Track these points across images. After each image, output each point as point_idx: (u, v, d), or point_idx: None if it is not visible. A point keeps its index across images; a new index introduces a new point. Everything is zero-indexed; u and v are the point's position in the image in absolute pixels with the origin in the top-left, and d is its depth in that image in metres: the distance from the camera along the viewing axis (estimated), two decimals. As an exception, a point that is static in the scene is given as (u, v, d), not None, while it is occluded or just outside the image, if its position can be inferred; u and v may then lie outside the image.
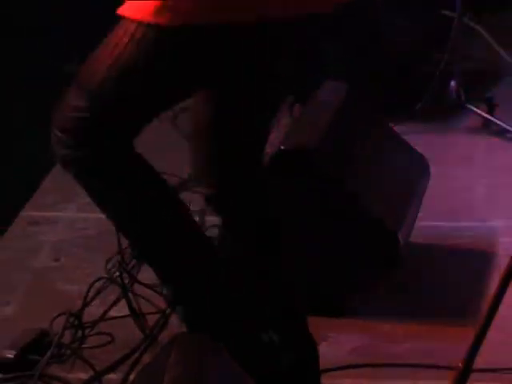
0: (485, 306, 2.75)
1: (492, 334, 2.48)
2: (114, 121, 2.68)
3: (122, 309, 3.39)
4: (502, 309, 2.51)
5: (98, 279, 3.50)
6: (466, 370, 2.56)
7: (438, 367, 2.97)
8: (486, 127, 4.64)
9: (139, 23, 2.58)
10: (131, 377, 3.01)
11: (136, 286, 3.47)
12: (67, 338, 3.24)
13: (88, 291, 3.43)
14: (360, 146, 3.61)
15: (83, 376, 3.10)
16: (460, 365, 2.51)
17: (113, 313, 3.40)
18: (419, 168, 3.88)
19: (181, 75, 2.71)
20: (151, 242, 2.86)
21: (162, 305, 3.34)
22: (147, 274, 3.35)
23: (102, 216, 3.13)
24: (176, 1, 2.53)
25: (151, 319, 3.37)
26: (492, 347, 2.71)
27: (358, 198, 3.37)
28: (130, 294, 3.41)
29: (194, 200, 3.45)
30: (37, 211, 4.30)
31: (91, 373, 3.07)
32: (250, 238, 2.93)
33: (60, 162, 2.66)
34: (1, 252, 3.94)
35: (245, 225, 2.95)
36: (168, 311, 3.34)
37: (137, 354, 3.18)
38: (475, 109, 4.65)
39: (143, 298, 3.42)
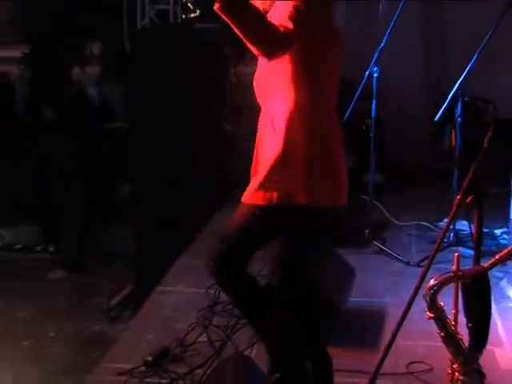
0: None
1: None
2: (240, 255, 4.09)
3: (203, 338, 5.41)
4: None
5: (192, 323, 5.59)
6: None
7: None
8: (386, 254, 7.15)
9: (253, 205, 3.99)
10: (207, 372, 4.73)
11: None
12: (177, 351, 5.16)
13: (188, 330, 5.51)
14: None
15: (183, 370, 4.92)
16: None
17: (199, 339, 5.39)
18: (350, 271, 5.90)
19: (277, 232, 4.11)
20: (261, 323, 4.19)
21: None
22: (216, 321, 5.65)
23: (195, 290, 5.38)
24: (276, 193, 3.91)
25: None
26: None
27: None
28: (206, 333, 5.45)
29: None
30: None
31: (186, 370, 4.91)
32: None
33: (209, 273, 4.07)
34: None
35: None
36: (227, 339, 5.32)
37: (209, 362, 4.98)
38: (377, 243, 7.20)
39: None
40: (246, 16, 3.70)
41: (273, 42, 3.82)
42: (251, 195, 4.02)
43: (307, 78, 4.04)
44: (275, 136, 4.01)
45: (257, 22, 3.77)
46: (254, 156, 4.24)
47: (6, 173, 12.68)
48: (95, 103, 13.54)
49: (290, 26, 3.84)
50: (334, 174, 4.08)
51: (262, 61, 4.10)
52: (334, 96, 4.26)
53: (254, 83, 4.28)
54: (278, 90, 4.06)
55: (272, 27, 3.79)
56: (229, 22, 3.68)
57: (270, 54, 3.85)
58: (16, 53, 23.58)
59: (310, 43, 4.02)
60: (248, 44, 3.76)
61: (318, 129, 4.05)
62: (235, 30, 3.71)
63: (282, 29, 3.82)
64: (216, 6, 3.62)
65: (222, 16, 3.66)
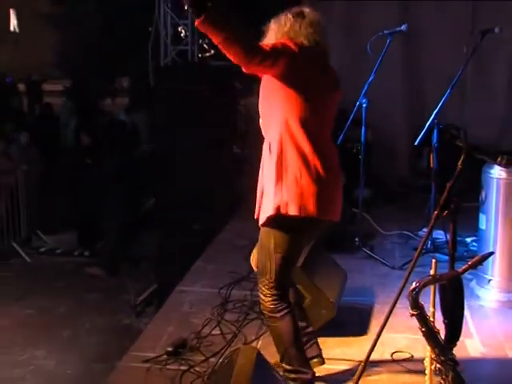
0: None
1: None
2: (283, 279, 4.23)
3: (216, 331, 5.41)
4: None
5: (207, 318, 5.61)
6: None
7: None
8: (373, 259, 7.08)
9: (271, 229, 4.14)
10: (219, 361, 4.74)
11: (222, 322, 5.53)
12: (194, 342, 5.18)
13: (203, 324, 5.51)
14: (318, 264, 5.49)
15: (199, 358, 4.94)
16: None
17: (213, 332, 5.40)
18: (342, 273, 5.82)
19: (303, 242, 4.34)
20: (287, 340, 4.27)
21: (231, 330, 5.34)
22: (227, 316, 5.63)
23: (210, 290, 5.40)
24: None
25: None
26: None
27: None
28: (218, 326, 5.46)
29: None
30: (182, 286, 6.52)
31: (202, 358, 4.93)
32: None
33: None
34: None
35: None
36: (237, 332, 5.32)
37: (221, 352, 4.99)
38: (365, 249, 7.18)
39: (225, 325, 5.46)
40: (227, 27, 3.68)
41: (250, 50, 3.81)
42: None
43: (296, 112, 4.06)
44: (271, 158, 4.08)
45: (237, 32, 3.75)
46: (259, 177, 4.28)
47: (49, 188, 12.76)
48: (126, 129, 13.60)
49: (268, 47, 3.91)
50: (319, 191, 4.08)
51: (262, 97, 4.18)
52: (327, 126, 4.29)
53: (260, 118, 4.31)
54: (275, 122, 4.09)
55: (251, 38, 3.85)
56: (210, 34, 3.69)
57: (248, 62, 3.85)
58: (60, 87, 23.81)
59: (297, 83, 4.05)
60: (228, 52, 3.75)
61: (306, 153, 4.07)
62: (216, 40, 3.71)
63: (260, 44, 3.90)
64: (197, 22, 3.61)
65: (204, 29, 3.66)
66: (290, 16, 4.18)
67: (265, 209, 4.12)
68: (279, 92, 4.05)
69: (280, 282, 4.20)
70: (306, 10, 4.22)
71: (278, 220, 4.08)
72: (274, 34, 4.20)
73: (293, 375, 4.30)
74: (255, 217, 4.25)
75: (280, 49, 3.98)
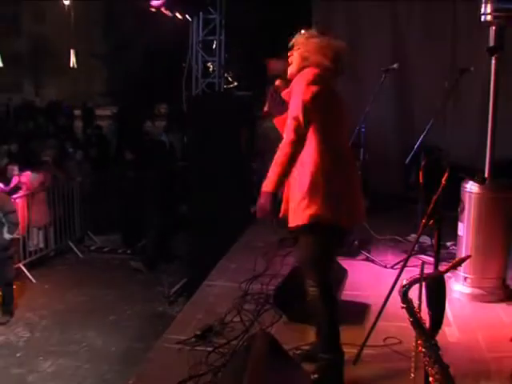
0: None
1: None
2: (324, 270, 4.16)
3: (237, 319, 5.28)
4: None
5: (229, 308, 5.49)
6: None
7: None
8: (369, 260, 7.02)
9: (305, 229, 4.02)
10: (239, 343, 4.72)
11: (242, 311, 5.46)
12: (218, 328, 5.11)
13: (226, 312, 5.40)
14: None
15: (223, 341, 4.86)
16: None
17: (234, 319, 5.30)
18: (343, 271, 5.81)
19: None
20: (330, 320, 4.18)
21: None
22: (246, 306, 5.51)
23: (232, 284, 5.39)
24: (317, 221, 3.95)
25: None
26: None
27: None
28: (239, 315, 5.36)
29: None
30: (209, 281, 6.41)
31: (225, 341, 4.87)
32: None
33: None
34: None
35: None
36: (255, 320, 5.24)
37: (241, 336, 4.91)
38: (364, 252, 7.10)
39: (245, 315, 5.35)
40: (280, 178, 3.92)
41: (296, 149, 3.85)
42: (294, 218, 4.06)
43: (323, 136, 4.00)
44: (304, 172, 3.98)
45: (285, 165, 3.88)
46: (286, 187, 4.21)
47: (99, 196, 12.84)
48: (164, 147, 13.70)
49: (301, 119, 3.84)
50: (350, 200, 4.08)
51: None
52: (346, 144, 4.28)
53: None
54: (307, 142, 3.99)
55: (287, 146, 3.86)
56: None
57: (300, 142, 3.89)
58: (108, 112, 23.93)
59: (321, 118, 3.98)
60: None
61: (332, 169, 4.01)
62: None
63: (295, 123, 3.84)
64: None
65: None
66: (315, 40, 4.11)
67: (297, 217, 4.02)
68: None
69: (321, 277, 4.13)
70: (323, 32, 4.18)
71: (312, 227, 4.00)
72: (299, 61, 4.12)
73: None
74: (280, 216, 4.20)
75: (304, 114, 3.90)
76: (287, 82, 4.19)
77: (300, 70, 4.07)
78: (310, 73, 3.99)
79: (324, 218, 3.96)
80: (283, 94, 4.24)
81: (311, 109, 3.90)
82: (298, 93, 3.93)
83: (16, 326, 8.73)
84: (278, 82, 4.28)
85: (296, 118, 3.86)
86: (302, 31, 4.17)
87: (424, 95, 9.64)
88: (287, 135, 3.88)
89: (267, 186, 3.89)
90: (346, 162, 4.13)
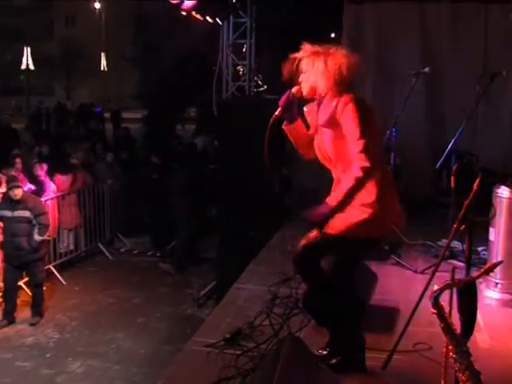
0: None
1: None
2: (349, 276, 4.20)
3: (266, 322, 5.22)
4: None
5: (258, 311, 5.46)
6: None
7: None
8: (399, 265, 6.99)
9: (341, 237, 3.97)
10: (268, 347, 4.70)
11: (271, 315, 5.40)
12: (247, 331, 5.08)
13: (255, 316, 5.38)
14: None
15: (252, 345, 4.82)
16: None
17: (263, 323, 5.25)
18: (373, 276, 5.77)
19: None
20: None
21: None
22: (275, 310, 5.50)
23: (261, 287, 5.39)
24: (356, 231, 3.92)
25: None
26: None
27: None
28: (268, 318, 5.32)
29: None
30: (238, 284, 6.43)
31: (254, 345, 4.83)
32: None
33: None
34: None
35: None
36: (284, 324, 5.22)
37: (270, 340, 4.86)
38: (394, 257, 7.05)
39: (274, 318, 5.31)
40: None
41: (369, 176, 3.82)
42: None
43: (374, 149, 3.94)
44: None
45: (354, 189, 3.81)
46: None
47: (129, 199, 12.91)
48: (194, 151, 13.76)
49: (370, 147, 3.81)
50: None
51: (333, 138, 4.01)
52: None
53: (317, 150, 4.21)
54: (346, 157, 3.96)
55: (357, 177, 3.78)
56: None
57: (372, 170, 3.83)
58: (138, 115, 24.06)
59: (373, 134, 3.94)
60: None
61: (384, 184, 4.02)
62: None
63: (367, 152, 3.78)
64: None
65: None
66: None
67: (348, 225, 3.97)
68: None
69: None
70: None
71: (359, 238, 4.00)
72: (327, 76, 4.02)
73: None
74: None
75: (370, 141, 3.87)
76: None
77: (336, 92, 4.00)
78: (357, 101, 3.94)
79: (374, 231, 3.99)
80: (307, 112, 4.26)
81: (370, 133, 3.88)
82: (351, 120, 3.88)
83: (46, 327, 8.82)
84: (296, 90, 4.18)
85: (366, 145, 3.81)
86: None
87: (455, 99, 9.56)
88: (360, 160, 3.79)
89: (332, 201, 3.88)
90: (386, 169, 4.19)
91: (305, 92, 4.14)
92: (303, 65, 4.10)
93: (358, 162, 3.78)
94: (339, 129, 3.93)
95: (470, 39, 9.75)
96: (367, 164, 3.75)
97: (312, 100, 4.20)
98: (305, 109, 4.29)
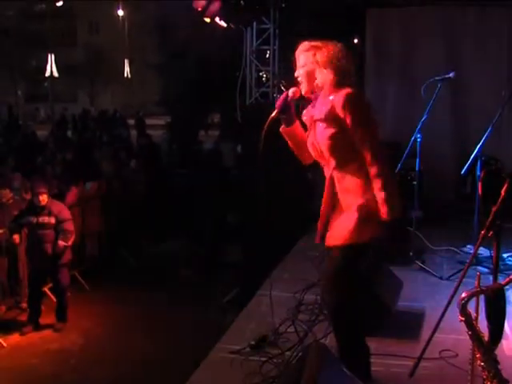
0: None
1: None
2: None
3: (291, 329, 5.25)
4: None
5: (284, 318, 5.48)
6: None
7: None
8: (424, 271, 6.93)
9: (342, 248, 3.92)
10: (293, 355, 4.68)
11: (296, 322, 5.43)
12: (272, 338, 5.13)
13: (280, 323, 5.38)
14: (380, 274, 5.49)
15: (277, 352, 4.86)
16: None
17: (288, 330, 5.27)
18: (399, 282, 5.82)
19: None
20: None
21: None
22: (300, 317, 5.56)
23: (286, 294, 5.36)
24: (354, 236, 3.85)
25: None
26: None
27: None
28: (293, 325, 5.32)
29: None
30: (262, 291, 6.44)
31: (279, 351, 4.84)
32: None
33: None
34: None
35: None
36: (309, 331, 5.22)
37: (295, 346, 4.89)
38: (418, 262, 7.04)
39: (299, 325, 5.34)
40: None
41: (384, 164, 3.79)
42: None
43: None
44: (354, 191, 3.96)
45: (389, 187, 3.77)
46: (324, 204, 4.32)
47: (153, 204, 12.96)
48: (218, 157, 13.79)
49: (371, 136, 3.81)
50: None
51: (335, 138, 3.91)
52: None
53: (310, 147, 4.13)
54: (353, 160, 3.92)
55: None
56: None
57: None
58: (161, 121, 24.12)
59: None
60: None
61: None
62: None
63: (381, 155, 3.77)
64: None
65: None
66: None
67: (353, 235, 3.91)
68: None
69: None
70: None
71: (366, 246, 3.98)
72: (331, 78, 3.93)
73: None
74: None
75: (374, 126, 3.87)
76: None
77: (333, 85, 3.92)
78: (357, 95, 3.88)
79: (375, 231, 3.90)
80: (305, 116, 4.16)
81: (375, 131, 3.88)
82: (359, 117, 3.82)
83: (70, 333, 8.85)
84: (293, 92, 4.10)
85: (379, 149, 3.81)
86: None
87: (479, 104, 9.54)
88: (382, 163, 3.79)
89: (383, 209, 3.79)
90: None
91: (304, 90, 4.05)
92: (302, 60, 4.06)
93: (373, 167, 3.77)
94: (336, 123, 3.83)
95: (494, 43, 9.76)
96: (381, 163, 3.76)
97: (310, 102, 4.12)
98: (304, 118, 4.20)
